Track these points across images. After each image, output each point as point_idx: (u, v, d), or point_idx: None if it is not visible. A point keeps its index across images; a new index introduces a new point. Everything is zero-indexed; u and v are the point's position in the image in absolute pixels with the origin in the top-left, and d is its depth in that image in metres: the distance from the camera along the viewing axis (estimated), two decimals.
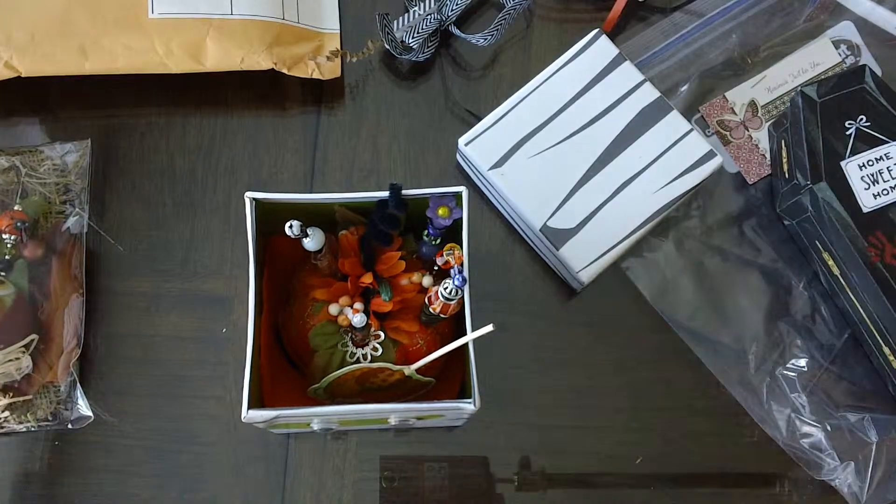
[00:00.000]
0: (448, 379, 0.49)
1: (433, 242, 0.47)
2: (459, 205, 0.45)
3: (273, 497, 0.52)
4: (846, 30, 0.60)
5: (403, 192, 0.44)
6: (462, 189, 0.44)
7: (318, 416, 0.43)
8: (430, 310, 0.44)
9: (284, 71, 0.56)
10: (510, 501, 0.52)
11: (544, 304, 0.56)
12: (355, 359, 0.46)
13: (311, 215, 0.45)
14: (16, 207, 0.53)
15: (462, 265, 0.44)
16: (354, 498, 0.52)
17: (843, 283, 0.52)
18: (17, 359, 0.50)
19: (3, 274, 0.51)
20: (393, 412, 0.43)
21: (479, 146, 0.54)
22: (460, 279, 0.42)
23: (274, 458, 0.53)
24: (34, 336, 0.51)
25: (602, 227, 0.53)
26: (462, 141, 0.54)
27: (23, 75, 0.53)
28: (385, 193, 0.45)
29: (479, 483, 0.53)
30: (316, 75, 0.57)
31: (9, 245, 0.52)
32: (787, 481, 0.53)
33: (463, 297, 0.43)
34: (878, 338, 0.51)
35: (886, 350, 0.51)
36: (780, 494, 0.54)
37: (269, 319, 0.48)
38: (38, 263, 0.52)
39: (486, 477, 0.53)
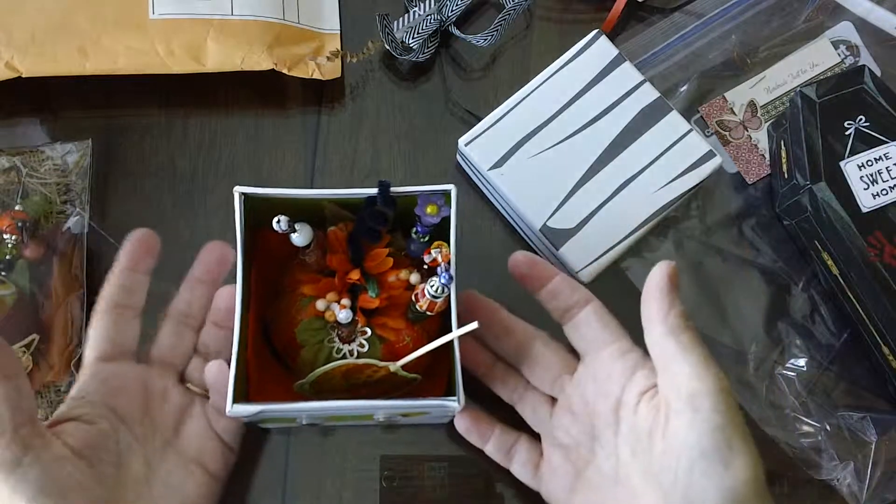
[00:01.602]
0: (436, 376, 0.49)
1: (421, 240, 0.47)
2: (448, 203, 0.45)
3: (273, 497, 0.52)
4: (845, 30, 0.60)
5: (392, 189, 0.44)
6: (451, 187, 0.44)
7: (303, 411, 0.43)
8: (417, 307, 0.45)
9: (285, 71, 0.56)
10: (510, 501, 0.53)
11: None
12: (342, 354, 0.46)
13: (302, 211, 0.45)
14: (17, 207, 0.53)
15: (449, 263, 0.44)
16: (354, 497, 0.52)
17: (843, 282, 0.52)
18: (18, 358, 0.50)
19: (4, 274, 0.51)
20: (377, 409, 0.43)
21: (479, 146, 0.54)
22: (447, 277, 0.42)
23: (274, 458, 0.53)
24: (35, 336, 0.51)
25: (602, 227, 0.53)
26: (462, 141, 0.55)
27: (23, 75, 0.53)
28: (374, 190, 0.45)
29: (479, 483, 0.53)
30: (316, 76, 0.57)
31: (10, 245, 0.52)
32: (787, 481, 0.53)
33: (449, 294, 0.44)
34: (878, 337, 0.51)
35: (885, 350, 0.51)
36: (780, 494, 0.53)
37: (258, 314, 0.48)
38: (38, 263, 0.52)
39: (486, 477, 0.53)
